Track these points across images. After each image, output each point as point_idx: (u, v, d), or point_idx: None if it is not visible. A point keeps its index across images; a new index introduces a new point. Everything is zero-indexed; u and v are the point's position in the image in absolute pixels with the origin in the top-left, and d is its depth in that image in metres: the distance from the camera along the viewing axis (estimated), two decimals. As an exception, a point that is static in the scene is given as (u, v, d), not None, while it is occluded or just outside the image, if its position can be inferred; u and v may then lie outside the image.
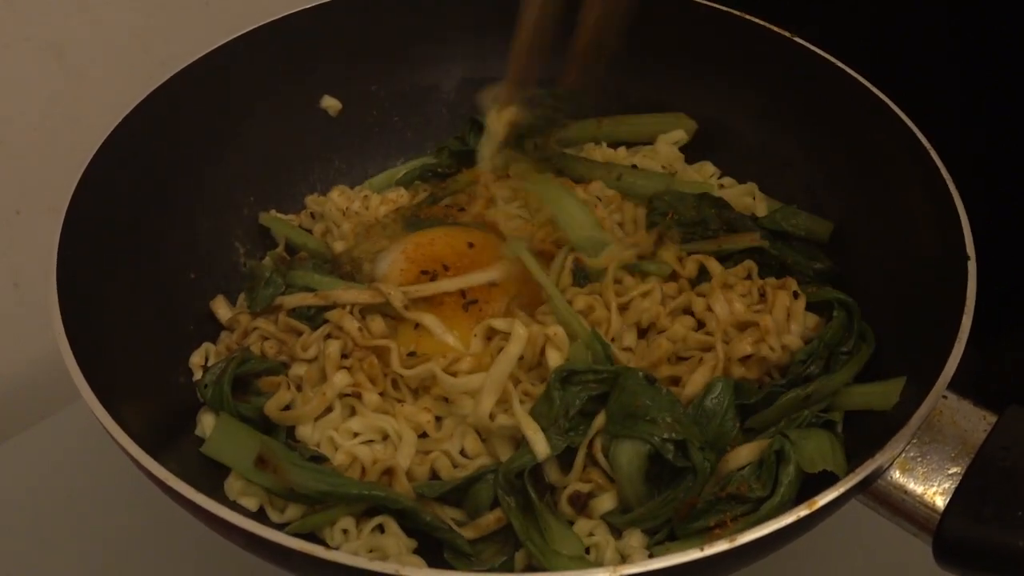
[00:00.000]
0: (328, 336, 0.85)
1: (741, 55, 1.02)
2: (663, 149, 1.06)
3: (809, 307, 0.87)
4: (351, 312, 0.86)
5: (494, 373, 0.80)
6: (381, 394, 0.83)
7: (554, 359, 0.81)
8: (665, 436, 0.74)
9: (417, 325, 0.86)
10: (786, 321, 0.84)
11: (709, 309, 0.85)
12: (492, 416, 0.79)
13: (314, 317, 0.87)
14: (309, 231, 1.02)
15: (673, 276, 0.90)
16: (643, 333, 0.86)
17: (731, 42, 1.02)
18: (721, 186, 1.04)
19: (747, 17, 1.00)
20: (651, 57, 1.06)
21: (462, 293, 0.88)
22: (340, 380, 0.82)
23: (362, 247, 0.96)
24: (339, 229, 1.00)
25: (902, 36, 1.07)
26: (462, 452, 0.81)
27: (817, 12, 1.06)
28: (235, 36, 0.98)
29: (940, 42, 1.05)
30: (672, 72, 1.06)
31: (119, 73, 1.14)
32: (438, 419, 0.83)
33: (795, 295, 0.86)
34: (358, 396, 0.82)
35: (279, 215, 1.03)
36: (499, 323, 0.83)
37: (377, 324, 0.86)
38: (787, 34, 0.97)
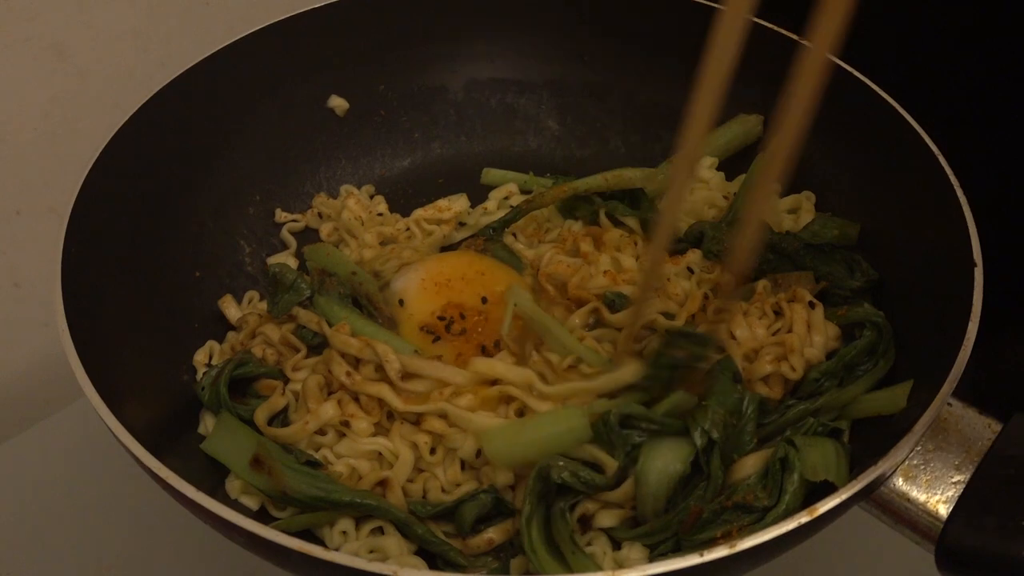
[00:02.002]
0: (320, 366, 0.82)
1: (748, 58, 1.01)
2: (707, 175, 1.01)
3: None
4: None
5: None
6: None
7: None
8: (707, 427, 0.72)
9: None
10: (807, 334, 0.81)
11: (731, 336, 0.81)
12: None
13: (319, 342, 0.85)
14: (316, 230, 1.02)
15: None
16: None
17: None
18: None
19: (754, 20, 0.99)
20: (651, 59, 1.05)
21: (461, 315, 0.86)
22: (327, 412, 0.79)
23: (385, 259, 0.94)
24: (360, 240, 0.98)
25: (903, 36, 1.07)
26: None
27: None
28: (243, 35, 0.98)
29: (941, 42, 1.05)
30: (673, 75, 1.05)
31: (119, 73, 1.14)
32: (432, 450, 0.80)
33: (811, 305, 0.83)
34: (347, 424, 0.80)
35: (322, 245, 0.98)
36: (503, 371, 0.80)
37: (368, 370, 0.81)
38: (795, 36, 0.97)
